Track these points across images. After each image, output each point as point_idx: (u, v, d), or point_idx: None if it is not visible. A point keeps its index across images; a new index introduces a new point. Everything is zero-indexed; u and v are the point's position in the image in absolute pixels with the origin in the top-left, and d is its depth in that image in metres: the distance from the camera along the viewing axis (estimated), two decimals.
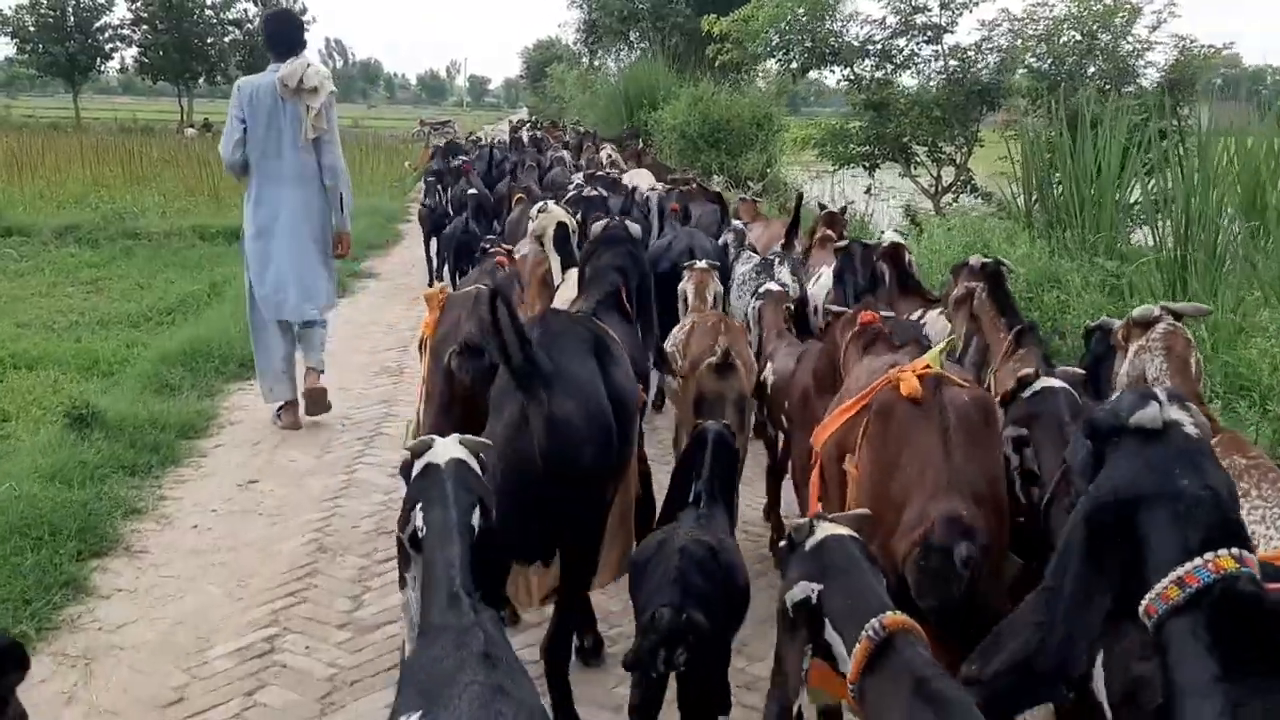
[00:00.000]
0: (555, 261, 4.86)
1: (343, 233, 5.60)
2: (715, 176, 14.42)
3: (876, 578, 2.04)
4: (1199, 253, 5.97)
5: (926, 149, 12.73)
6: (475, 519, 2.05)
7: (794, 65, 13.60)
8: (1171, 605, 1.62)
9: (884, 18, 12.69)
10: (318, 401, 5.58)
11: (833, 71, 13.37)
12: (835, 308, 3.69)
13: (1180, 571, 1.63)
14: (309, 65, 5.15)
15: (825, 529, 2.09)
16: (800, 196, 6.81)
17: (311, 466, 5.15)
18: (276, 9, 5.90)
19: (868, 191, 13.45)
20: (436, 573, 1.95)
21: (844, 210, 6.83)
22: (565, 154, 12.56)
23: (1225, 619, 1.58)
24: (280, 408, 5.66)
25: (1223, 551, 1.64)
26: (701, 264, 4.74)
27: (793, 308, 4.78)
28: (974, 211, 11.14)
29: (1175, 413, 1.78)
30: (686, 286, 4.65)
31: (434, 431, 2.91)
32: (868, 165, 13.19)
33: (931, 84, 12.77)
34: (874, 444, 2.54)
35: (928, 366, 2.57)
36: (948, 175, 12.87)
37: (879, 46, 12.89)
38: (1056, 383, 2.77)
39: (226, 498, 4.72)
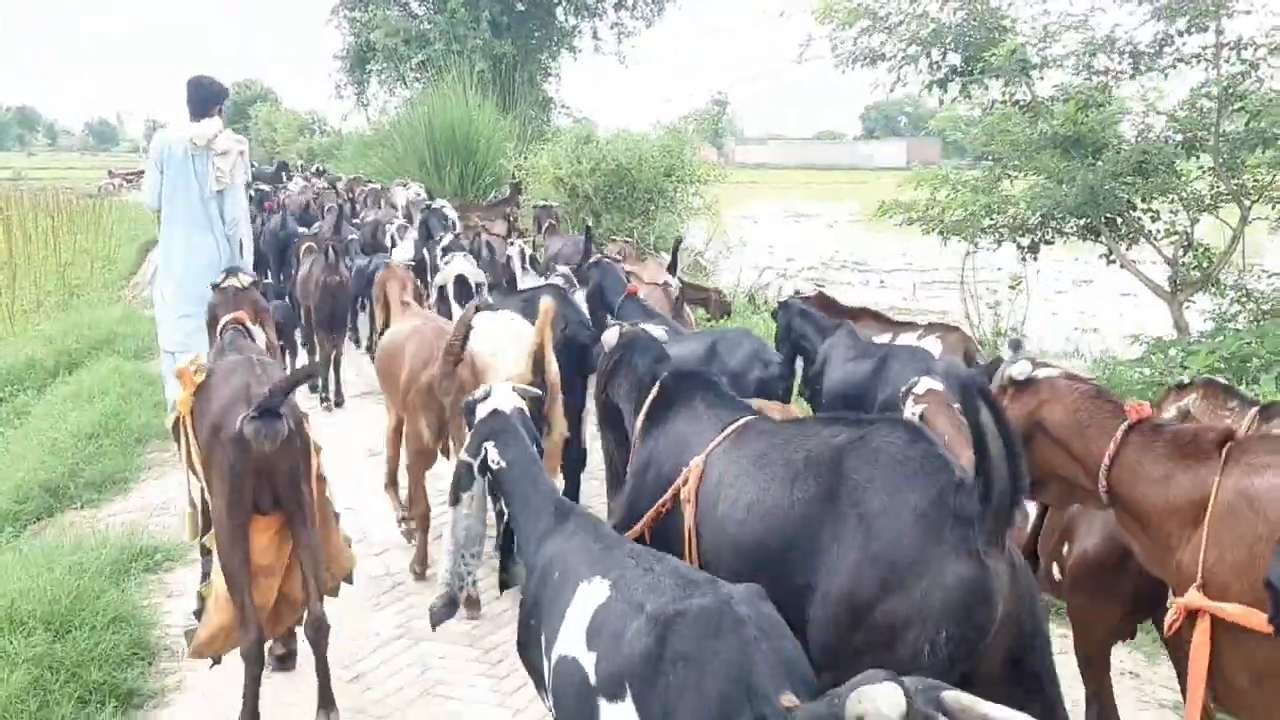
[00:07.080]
0: (457, 313, 5.24)
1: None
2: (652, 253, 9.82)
3: None
4: None
5: (1150, 215, 7.07)
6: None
7: (932, 72, 7.64)
8: None
9: None
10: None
11: (985, 86, 7.38)
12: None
13: None
14: (220, 129, 5.83)
15: None
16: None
17: None
18: (197, 75, 5.86)
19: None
20: (539, 490, 2.51)
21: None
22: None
23: None
24: None
25: None
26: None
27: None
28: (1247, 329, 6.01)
29: None
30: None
31: (232, 516, 3.06)
32: (1027, 245, 7.40)
33: (1186, 102, 6.63)
34: None
35: None
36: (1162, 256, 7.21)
37: (1107, 36, 6.82)
38: None
39: None
